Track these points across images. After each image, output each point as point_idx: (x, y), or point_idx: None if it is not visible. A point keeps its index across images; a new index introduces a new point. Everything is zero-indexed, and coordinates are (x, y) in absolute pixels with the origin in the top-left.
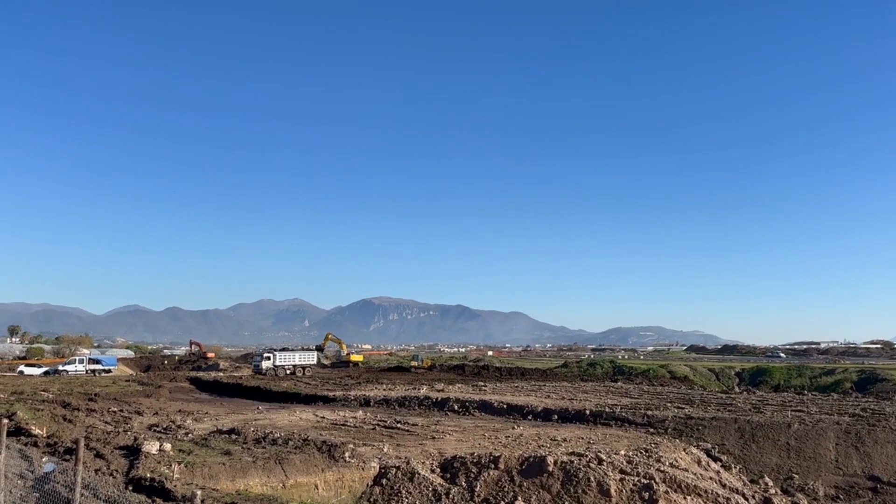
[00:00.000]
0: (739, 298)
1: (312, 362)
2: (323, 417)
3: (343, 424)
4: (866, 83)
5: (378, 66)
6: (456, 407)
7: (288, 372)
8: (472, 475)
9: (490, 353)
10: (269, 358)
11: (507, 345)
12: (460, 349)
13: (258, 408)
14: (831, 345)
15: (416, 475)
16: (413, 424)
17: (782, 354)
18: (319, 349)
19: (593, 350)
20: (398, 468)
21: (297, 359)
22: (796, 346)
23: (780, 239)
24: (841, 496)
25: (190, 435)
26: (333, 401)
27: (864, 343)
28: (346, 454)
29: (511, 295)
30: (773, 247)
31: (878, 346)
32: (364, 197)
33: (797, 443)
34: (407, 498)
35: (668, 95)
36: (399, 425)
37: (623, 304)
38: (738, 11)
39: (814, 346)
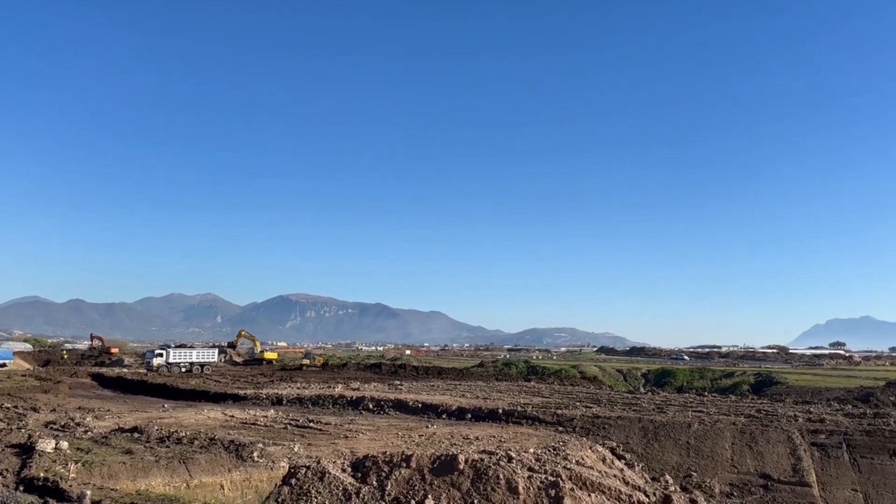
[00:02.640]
0: (649, 302)
1: (212, 360)
2: (232, 416)
3: (253, 423)
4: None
5: (269, 60)
6: (371, 406)
7: (184, 370)
8: (384, 474)
9: (408, 352)
10: (160, 354)
11: (426, 344)
12: (378, 348)
13: (164, 406)
14: (732, 349)
15: (327, 475)
16: (326, 423)
17: (686, 357)
18: (232, 346)
19: (509, 350)
20: (308, 468)
21: (195, 356)
22: (699, 350)
23: (689, 246)
24: (735, 493)
25: (89, 433)
26: (244, 399)
27: (762, 348)
28: (255, 454)
29: (431, 295)
30: (682, 254)
31: (774, 350)
32: (281, 192)
33: (696, 442)
34: (316, 498)
35: (574, 92)
36: (311, 424)
37: (539, 306)
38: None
39: (716, 350)
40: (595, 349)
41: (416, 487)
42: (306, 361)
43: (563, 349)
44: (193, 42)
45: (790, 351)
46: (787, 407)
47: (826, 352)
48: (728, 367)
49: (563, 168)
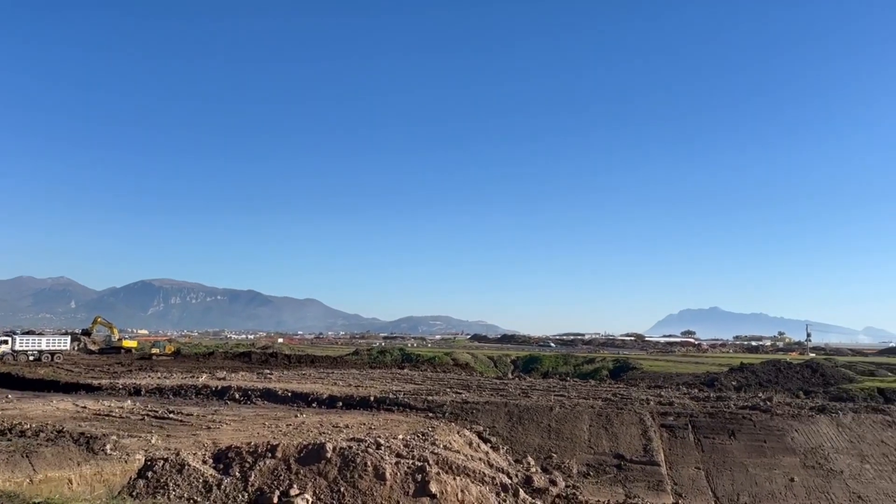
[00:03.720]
0: (520, 291)
1: (64, 347)
2: (85, 407)
3: (107, 415)
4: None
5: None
6: (237, 395)
7: (32, 358)
8: (248, 465)
9: (280, 340)
10: (5, 342)
11: (300, 332)
12: (249, 336)
13: (7, 396)
14: (594, 336)
15: (186, 466)
16: (188, 414)
17: (552, 344)
18: (87, 333)
19: (385, 338)
20: (166, 460)
21: (45, 343)
22: (565, 337)
23: (558, 239)
24: (591, 473)
25: None
26: (99, 389)
27: (621, 335)
28: (108, 446)
29: (306, 281)
30: (552, 245)
31: (632, 338)
32: (144, 170)
33: (557, 425)
34: (175, 490)
35: (460, 89)
36: (171, 415)
37: (415, 294)
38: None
39: (579, 337)
40: (468, 337)
41: (282, 477)
42: (156, 350)
43: (437, 337)
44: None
45: (646, 338)
46: (640, 391)
47: (678, 340)
48: (590, 354)
49: (443, 161)
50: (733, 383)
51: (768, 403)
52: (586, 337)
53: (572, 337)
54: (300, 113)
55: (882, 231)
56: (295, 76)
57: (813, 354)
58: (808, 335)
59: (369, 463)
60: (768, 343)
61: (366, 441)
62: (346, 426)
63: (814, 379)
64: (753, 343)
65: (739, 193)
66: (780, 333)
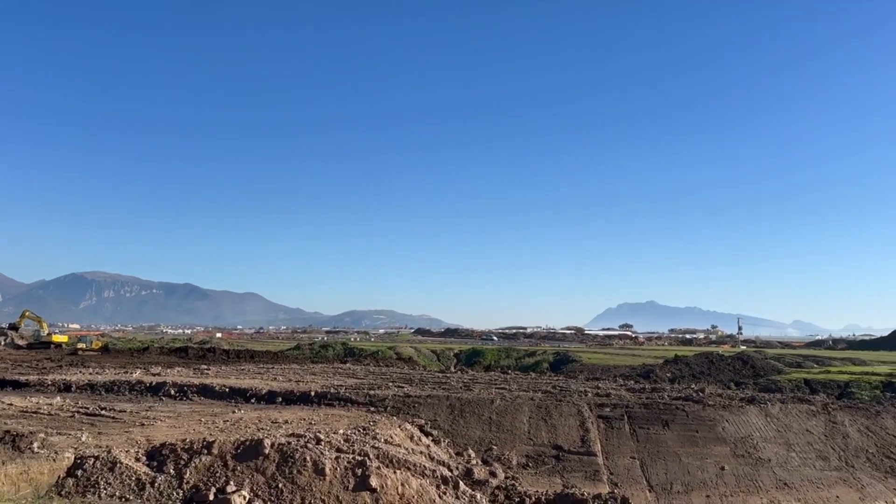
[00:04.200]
0: (464, 286)
1: None
2: (11, 404)
3: (35, 412)
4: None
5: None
6: (172, 392)
7: None
8: (182, 462)
9: (219, 334)
10: None
11: (239, 326)
12: (186, 331)
13: None
14: (536, 329)
15: (118, 464)
16: (120, 411)
17: (495, 338)
18: (13, 328)
19: (328, 332)
20: (97, 458)
21: None
22: (507, 331)
23: (502, 233)
24: (530, 464)
25: None
26: (26, 386)
27: (562, 328)
28: (35, 444)
29: (246, 275)
30: (496, 240)
31: (572, 331)
32: (74, 159)
33: (498, 417)
34: (106, 489)
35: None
36: (103, 412)
37: (359, 288)
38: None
39: (521, 331)
40: (412, 331)
41: (218, 474)
42: (82, 346)
43: (381, 331)
44: None
45: (586, 331)
46: (579, 383)
47: (616, 332)
48: (531, 347)
49: (386, 157)
50: (668, 375)
51: (701, 394)
52: (528, 330)
53: (515, 330)
54: (235, 109)
55: (809, 229)
56: (223, 80)
57: (744, 347)
58: (740, 328)
59: (308, 458)
60: (702, 336)
61: (305, 436)
62: (286, 422)
63: (744, 371)
64: (688, 336)
65: (673, 192)
66: (713, 326)
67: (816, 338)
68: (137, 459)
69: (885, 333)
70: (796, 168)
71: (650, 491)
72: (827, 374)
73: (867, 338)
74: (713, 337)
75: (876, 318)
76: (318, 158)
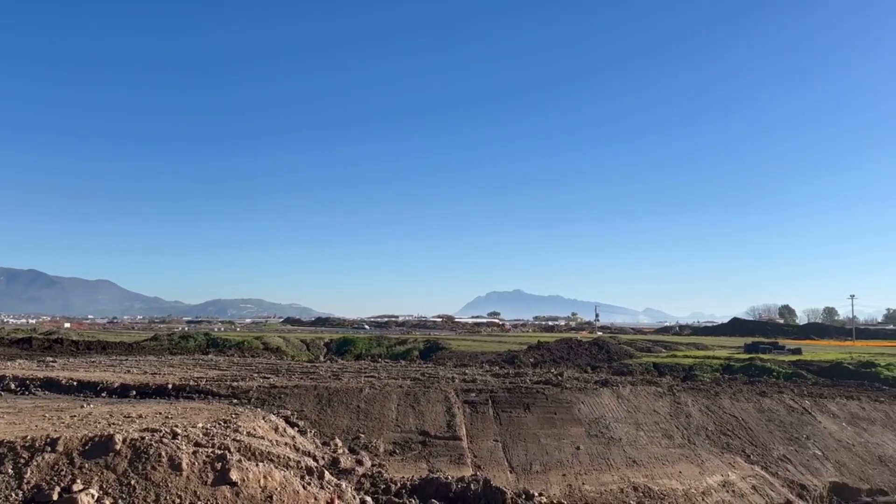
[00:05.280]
0: (336, 275)
1: None
2: None
3: None
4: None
5: None
6: (13, 386)
7: None
8: (23, 461)
9: (67, 325)
10: None
11: (90, 316)
12: (31, 320)
13: None
14: (408, 318)
15: None
16: None
17: (367, 326)
18: None
19: (189, 322)
20: None
21: None
22: (379, 319)
23: (373, 223)
24: (397, 451)
25: None
26: None
27: (433, 317)
28: None
29: (98, 261)
30: (365, 227)
31: (443, 319)
32: None
33: (366, 405)
34: None
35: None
36: None
37: (224, 277)
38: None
39: (393, 319)
40: (281, 320)
41: (63, 472)
42: None
43: (248, 321)
44: None
45: (456, 319)
46: (447, 370)
47: (484, 320)
48: (402, 335)
49: (258, 145)
50: (531, 360)
51: (559, 378)
52: (400, 319)
53: (387, 319)
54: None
55: (660, 223)
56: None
57: (600, 333)
58: (597, 315)
59: (164, 453)
60: (563, 323)
61: (161, 431)
62: (140, 416)
63: (600, 355)
64: (550, 323)
65: (539, 187)
66: (574, 314)
67: (665, 324)
68: None
69: (726, 320)
70: (650, 168)
71: (511, 472)
72: (673, 358)
73: (710, 324)
74: (573, 324)
75: (718, 307)
76: (175, 139)
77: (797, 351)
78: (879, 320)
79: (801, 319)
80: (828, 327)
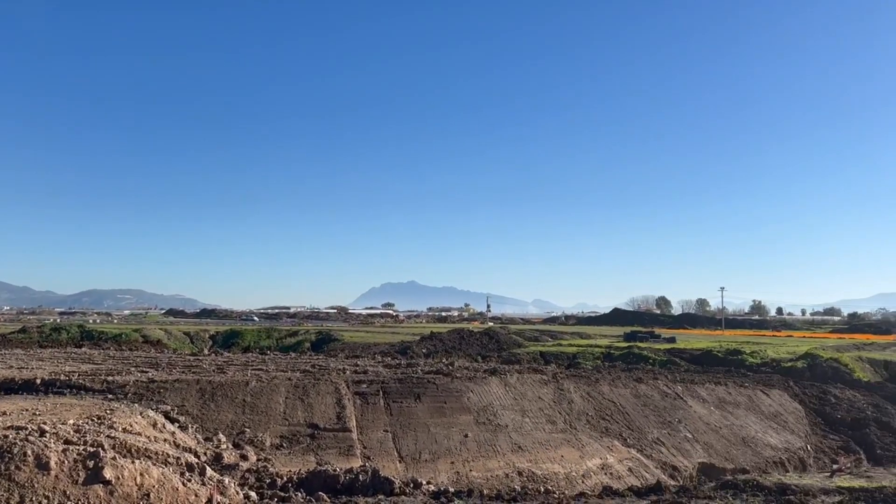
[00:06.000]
0: (222, 264)
1: None
2: None
3: None
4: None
5: None
6: None
7: None
8: None
9: None
10: None
11: None
12: None
13: None
14: (299, 309)
15: None
16: None
17: (256, 318)
18: None
19: (61, 313)
20: None
21: None
22: (269, 311)
23: (261, 210)
24: (285, 444)
25: None
26: None
27: (326, 308)
28: None
29: None
30: (255, 216)
31: (336, 310)
32: None
33: (252, 399)
34: None
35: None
36: None
37: (100, 265)
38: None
39: (284, 311)
40: (163, 312)
41: None
42: None
43: (126, 312)
44: None
45: (349, 311)
46: (339, 361)
47: (378, 311)
48: (293, 327)
49: (122, 128)
50: (423, 351)
51: (450, 368)
52: (291, 310)
53: (277, 310)
54: None
55: (548, 219)
56: None
57: (491, 323)
58: (488, 306)
59: (30, 452)
60: (456, 314)
61: (27, 428)
62: (4, 413)
63: (490, 345)
64: (443, 313)
65: (431, 178)
66: (466, 305)
67: (552, 314)
68: None
69: (608, 311)
70: (539, 167)
71: (400, 461)
72: (559, 346)
73: (593, 314)
74: (466, 314)
75: (601, 298)
76: (55, 121)
77: (672, 339)
78: (746, 311)
79: (676, 310)
80: (700, 317)
